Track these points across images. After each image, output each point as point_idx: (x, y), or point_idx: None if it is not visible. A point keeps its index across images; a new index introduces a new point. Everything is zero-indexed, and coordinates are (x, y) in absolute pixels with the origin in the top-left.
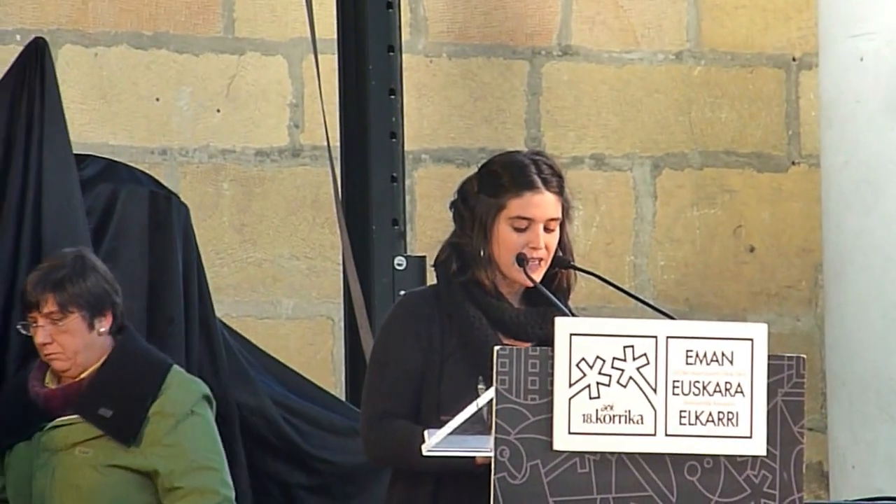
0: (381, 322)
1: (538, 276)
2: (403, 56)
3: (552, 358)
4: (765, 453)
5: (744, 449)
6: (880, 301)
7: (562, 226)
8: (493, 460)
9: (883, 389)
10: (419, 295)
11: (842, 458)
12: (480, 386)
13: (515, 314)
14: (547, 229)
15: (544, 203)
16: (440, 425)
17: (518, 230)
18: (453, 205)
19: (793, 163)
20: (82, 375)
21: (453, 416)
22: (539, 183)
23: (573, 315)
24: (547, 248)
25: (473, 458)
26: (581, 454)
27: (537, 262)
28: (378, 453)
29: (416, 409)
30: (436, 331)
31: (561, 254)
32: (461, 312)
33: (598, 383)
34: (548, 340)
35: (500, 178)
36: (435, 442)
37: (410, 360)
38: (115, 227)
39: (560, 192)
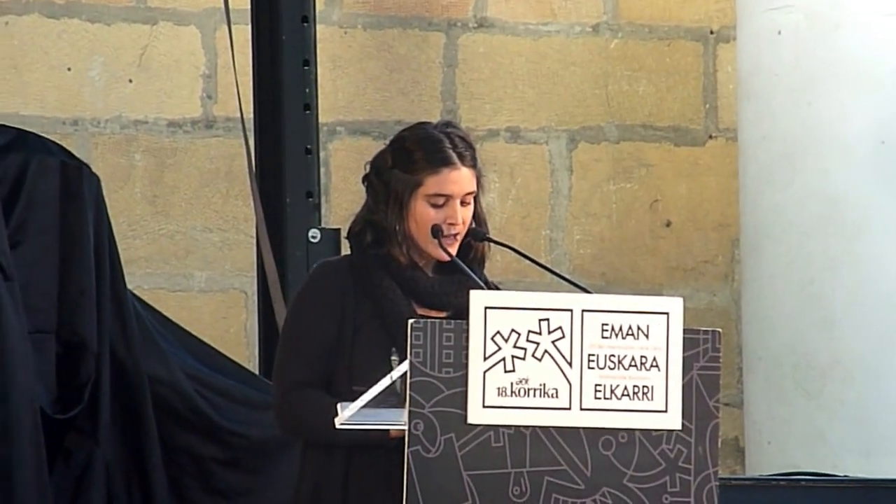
0: (294, 292)
1: (454, 250)
2: (318, 27)
3: (467, 331)
4: (680, 427)
5: (659, 423)
6: (797, 276)
7: (476, 198)
8: (406, 433)
9: (799, 364)
10: (332, 265)
11: (758, 433)
12: (394, 357)
13: (430, 283)
14: (463, 203)
15: (461, 179)
16: (353, 396)
17: (435, 206)
18: (366, 178)
19: (710, 137)
20: None
21: (366, 386)
22: (455, 158)
23: (490, 286)
24: (463, 222)
25: (387, 431)
26: (496, 428)
27: (454, 236)
28: (290, 425)
29: (328, 380)
30: (349, 301)
31: (476, 226)
32: (375, 282)
33: (513, 357)
34: (463, 309)
35: (413, 154)
36: (348, 415)
37: (323, 331)
38: (25, 198)
39: (474, 164)
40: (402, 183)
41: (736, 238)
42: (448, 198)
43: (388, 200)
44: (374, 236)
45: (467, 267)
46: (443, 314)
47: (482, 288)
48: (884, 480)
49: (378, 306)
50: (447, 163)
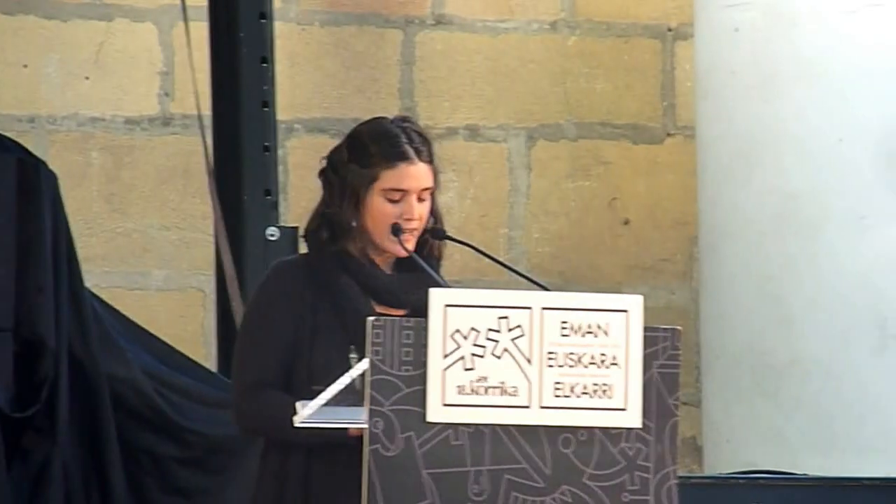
0: (252, 291)
1: (411, 246)
2: (275, 24)
3: (426, 329)
4: (640, 425)
5: (618, 421)
6: (755, 275)
7: (432, 194)
8: (366, 432)
9: (757, 364)
10: (290, 263)
11: (716, 432)
12: (353, 356)
13: (388, 281)
14: (420, 199)
15: (418, 174)
16: (312, 395)
17: (392, 202)
18: (322, 173)
19: (668, 134)
20: None
21: (325, 385)
22: (412, 153)
23: (446, 283)
24: (420, 217)
25: (346, 429)
26: (455, 426)
27: (411, 231)
28: (249, 424)
29: (287, 378)
30: (307, 299)
31: (433, 222)
32: (333, 281)
33: (472, 355)
34: (421, 307)
35: (369, 149)
36: (307, 413)
37: (282, 330)
38: None
39: (431, 160)
40: (358, 177)
41: (694, 236)
42: (404, 193)
43: (344, 195)
44: (330, 233)
45: (424, 263)
46: (401, 312)
47: (441, 286)
48: (842, 479)
49: (336, 305)
50: (403, 157)
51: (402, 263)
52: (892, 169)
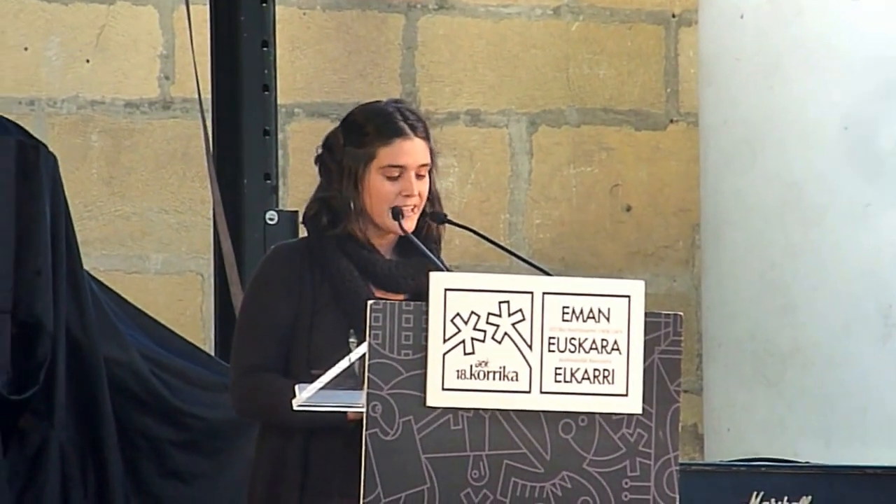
0: (251, 275)
1: (411, 225)
2: (277, 8)
3: (426, 313)
4: (640, 411)
5: (619, 407)
6: (757, 262)
7: (430, 176)
8: (364, 416)
9: (759, 351)
10: (289, 247)
11: (717, 420)
12: (352, 340)
13: (388, 266)
14: (418, 175)
15: (414, 149)
16: (311, 379)
17: (390, 179)
18: (319, 159)
19: (671, 121)
20: None
21: (324, 369)
22: (407, 129)
23: (446, 267)
24: (420, 195)
25: (345, 413)
26: (454, 411)
27: (410, 209)
28: (247, 408)
29: (285, 362)
30: (306, 283)
31: (431, 205)
32: (332, 264)
33: (472, 339)
34: (420, 292)
35: (365, 128)
36: (306, 397)
37: (280, 313)
38: None
39: (427, 137)
40: (355, 158)
41: (696, 223)
42: (403, 169)
43: (343, 177)
44: (329, 217)
45: (423, 245)
46: (400, 297)
47: (440, 269)
48: (843, 467)
49: (335, 288)
50: (400, 133)
51: (401, 248)
52: None
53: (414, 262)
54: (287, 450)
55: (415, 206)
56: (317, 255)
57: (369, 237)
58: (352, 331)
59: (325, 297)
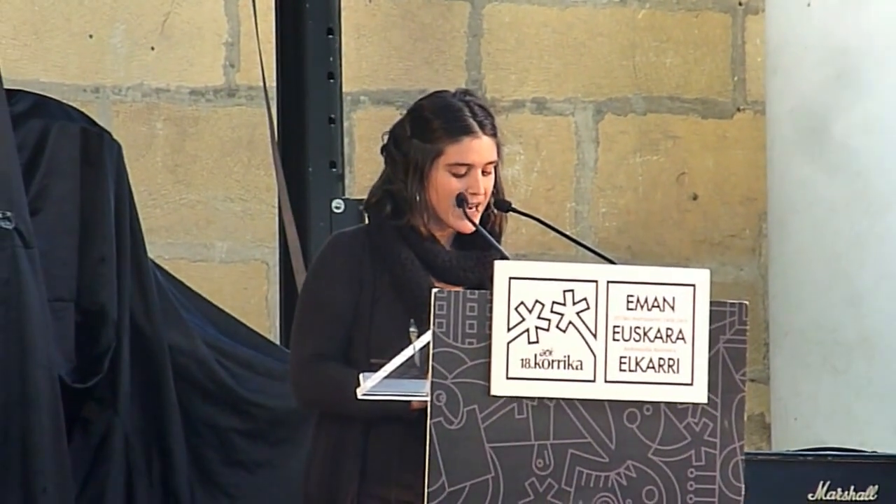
0: (312, 262)
1: (476, 221)
2: None
3: (491, 301)
4: (706, 401)
5: (684, 396)
6: (824, 251)
7: (496, 167)
8: (429, 405)
9: (825, 340)
10: (350, 235)
11: (783, 409)
12: (413, 330)
13: (448, 257)
14: (484, 172)
15: (482, 147)
16: (371, 368)
17: (457, 176)
18: (384, 149)
19: (738, 109)
20: None
21: (384, 359)
22: (476, 127)
23: (509, 259)
24: (485, 192)
25: (406, 402)
26: (519, 399)
27: (475, 206)
28: (308, 396)
29: (345, 351)
30: (367, 271)
31: (496, 195)
32: (393, 253)
33: (537, 328)
34: (479, 285)
35: (432, 123)
36: (371, 385)
37: (341, 301)
38: (45, 165)
39: (494, 133)
40: (421, 153)
41: (763, 212)
42: (469, 167)
43: (408, 171)
44: (393, 207)
45: (489, 236)
46: (458, 289)
47: (504, 258)
48: None
49: (396, 278)
50: (468, 132)
51: (461, 241)
52: None
53: (473, 255)
54: (346, 439)
55: (479, 203)
56: (377, 243)
57: (431, 230)
58: (412, 321)
59: (385, 286)
